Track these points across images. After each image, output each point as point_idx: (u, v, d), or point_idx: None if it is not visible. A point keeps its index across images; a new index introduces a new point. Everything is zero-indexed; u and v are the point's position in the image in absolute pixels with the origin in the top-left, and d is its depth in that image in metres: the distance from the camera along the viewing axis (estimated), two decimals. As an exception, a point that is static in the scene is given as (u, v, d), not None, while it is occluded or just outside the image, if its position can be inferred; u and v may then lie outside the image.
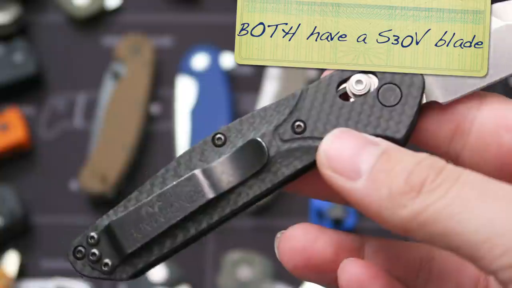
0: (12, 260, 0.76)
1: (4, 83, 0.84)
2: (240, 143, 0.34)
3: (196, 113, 0.82)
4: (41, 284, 0.76)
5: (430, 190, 0.29)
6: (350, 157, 0.31)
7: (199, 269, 0.77)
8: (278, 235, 0.35)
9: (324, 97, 0.34)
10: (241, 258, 0.76)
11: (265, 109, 0.34)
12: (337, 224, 0.77)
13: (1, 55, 0.84)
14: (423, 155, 0.31)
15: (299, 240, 0.35)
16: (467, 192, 0.29)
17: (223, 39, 0.88)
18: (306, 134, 0.33)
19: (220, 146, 0.35)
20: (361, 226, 0.78)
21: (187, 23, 0.89)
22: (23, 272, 0.77)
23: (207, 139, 0.35)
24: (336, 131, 0.32)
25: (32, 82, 0.85)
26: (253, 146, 0.34)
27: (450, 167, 0.30)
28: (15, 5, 0.86)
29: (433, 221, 0.29)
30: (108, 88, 0.84)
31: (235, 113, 0.83)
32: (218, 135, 0.35)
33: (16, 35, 0.86)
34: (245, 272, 0.76)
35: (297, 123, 0.34)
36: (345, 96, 0.34)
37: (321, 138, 0.33)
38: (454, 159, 0.33)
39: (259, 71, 0.86)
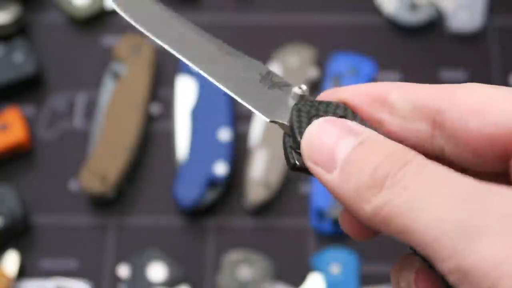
0: (12, 260, 0.76)
1: (4, 83, 0.84)
2: None
3: (196, 113, 0.82)
4: (41, 284, 0.76)
5: (391, 186, 0.29)
6: (329, 148, 0.31)
7: (199, 269, 0.77)
8: None
9: None
10: (241, 258, 0.76)
11: None
12: (337, 224, 0.77)
13: (1, 55, 0.84)
14: (397, 147, 0.30)
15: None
16: (425, 188, 0.28)
17: (223, 39, 0.88)
18: None
19: None
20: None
21: (187, 23, 0.89)
22: (23, 272, 0.77)
23: None
24: (320, 120, 0.33)
25: (32, 82, 0.85)
26: None
27: (417, 160, 0.30)
28: (15, 5, 0.86)
29: (392, 218, 0.29)
30: (108, 88, 0.84)
31: (235, 113, 0.83)
32: None
33: (16, 35, 0.86)
34: (245, 272, 0.76)
35: None
36: None
37: None
38: (441, 154, 0.33)
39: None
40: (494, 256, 0.26)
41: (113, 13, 0.89)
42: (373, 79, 0.84)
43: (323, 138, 0.32)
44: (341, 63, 0.85)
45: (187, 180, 0.79)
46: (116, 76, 0.84)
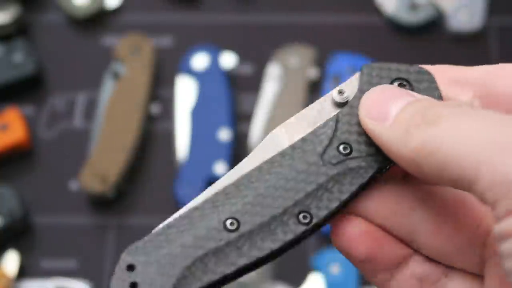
0: (12, 260, 0.76)
1: (4, 83, 0.84)
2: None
3: (196, 113, 0.82)
4: (41, 284, 0.76)
5: (441, 122, 0.31)
6: (384, 103, 0.34)
7: (199, 269, 0.77)
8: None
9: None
10: (241, 258, 0.76)
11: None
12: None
13: (1, 55, 0.84)
14: (451, 102, 0.33)
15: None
16: (472, 124, 0.30)
17: (223, 39, 0.88)
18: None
19: None
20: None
21: (187, 23, 0.89)
22: (23, 272, 0.77)
23: None
24: (382, 86, 0.35)
25: (32, 82, 0.85)
26: None
27: (468, 106, 0.32)
28: (15, 5, 0.86)
29: (438, 149, 0.30)
30: (108, 88, 0.84)
31: (235, 113, 0.83)
32: None
33: (16, 35, 0.86)
34: (245, 272, 0.75)
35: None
36: None
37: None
38: None
39: (259, 71, 0.86)
40: None
41: (113, 13, 0.89)
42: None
43: (379, 95, 0.34)
44: (341, 63, 0.85)
45: (187, 180, 0.79)
46: (116, 76, 0.84)
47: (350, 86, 0.36)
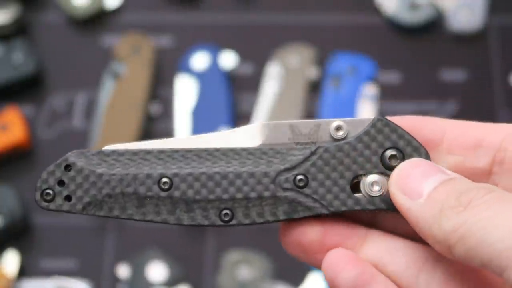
0: (12, 260, 0.76)
1: (4, 83, 0.84)
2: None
3: (196, 113, 0.82)
4: (41, 284, 0.76)
5: (474, 206, 0.31)
6: (417, 179, 0.34)
7: (199, 269, 0.77)
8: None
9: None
10: (241, 258, 0.76)
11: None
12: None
13: (1, 55, 0.84)
14: (482, 184, 0.33)
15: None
16: (504, 210, 0.31)
17: (223, 39, 0.88)
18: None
19: None
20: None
21: (187, 23, 0.89)
22: (23, 272, 0.77)
23: None
24: (415, 160, 0.35)
25: (31, 82, 0.85)
26: None
27: (500, 190, 0.32)
28: (15, 5, 0.86)
29: (470, 233, 0.31)
30: (107, 88, 0.84)
31: (235, 113, 0.83)
32: None
33: (16, 35, 0.86)
34: (245, 272, 0.76)
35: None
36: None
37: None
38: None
39: (259, 71, 0.86)
40: None
41: (113, 13, 0.89)
42: (373, 79, 0.84)
43: (414, 171, 0.34)
44: (341, 63, 0.85)
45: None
46: (116, 76, 0.84)
47: (352, 125, 0.36)
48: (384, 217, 0.37)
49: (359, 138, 0.36)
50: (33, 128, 0.83)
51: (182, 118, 0.82)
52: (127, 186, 0.35)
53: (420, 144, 0.36)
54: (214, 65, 0.85)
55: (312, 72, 0.85)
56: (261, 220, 0.36)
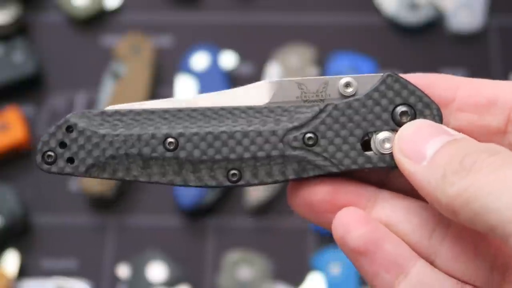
0: (12, 260, 0.76)
1: (4, 83, 0.84)
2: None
3: (196, 113, 0.82)
4: (41, 284, 0.76)
5: (478, 170, 0.30)
6: (419, 142, 0.33)
7: (199, 269, 0.77)
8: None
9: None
10: (241, 258, 0.76)
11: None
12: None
13: (1, 55, 0.84)
14: (488, 144, 0.32)
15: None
16: (507, 172, 0.30)
17: (223, 39, 0.88)
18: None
19: None
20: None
21: (187, 23, 0.89)
22: (23, 272, 0.77)
23: None
24: (417, 121, 0.34)
25: (32, 81, 0.85)
26: None
27: (506, 152, 0.31)
28: (15, 5, 0.86)
29: (474, 199, 0.30)
30: (107, 88, 0.84)
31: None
32: None
33: (16, 35, 0.86)
34: (245, 272, 0.76)
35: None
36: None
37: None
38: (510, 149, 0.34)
39: (259, 71, 0.86)
40: None
41: (113, 13, 0.89)
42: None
43: (416, 133, 0.34)
44: (341, 63, 0.85)
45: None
46: (116, 76, 0.84)
47: (361, 82, 0.35)
48: (395, 177, 0.36)
49: (369, 95, 0.35)
50: (33, 128, 0.83)
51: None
52: (131, 147, 0.34)
53: (432, 100, 0.35)
54: (214, 65, 0.85)
55: (312, 72, 0.85)
56: (270, 180, 0.35)
